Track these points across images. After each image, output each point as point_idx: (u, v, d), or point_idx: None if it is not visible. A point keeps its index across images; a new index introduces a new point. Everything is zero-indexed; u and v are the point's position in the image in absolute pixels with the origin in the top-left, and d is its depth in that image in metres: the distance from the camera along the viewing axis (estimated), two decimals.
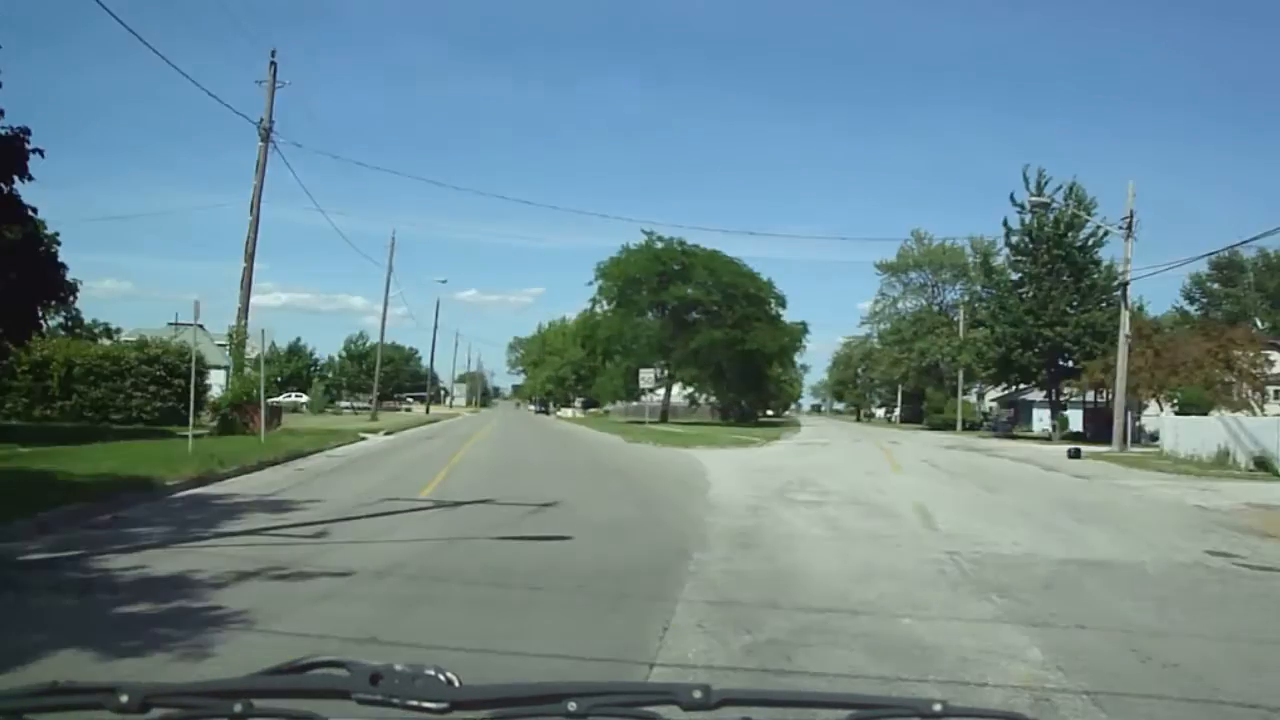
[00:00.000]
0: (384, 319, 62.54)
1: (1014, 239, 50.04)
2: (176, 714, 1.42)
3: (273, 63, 29.94)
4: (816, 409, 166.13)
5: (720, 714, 1.39)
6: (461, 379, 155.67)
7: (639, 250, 72.16)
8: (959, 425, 71.98)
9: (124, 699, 1.38)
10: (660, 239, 72.46)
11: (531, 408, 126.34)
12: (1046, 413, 65.16)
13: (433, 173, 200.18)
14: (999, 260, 52.11)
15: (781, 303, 75.85)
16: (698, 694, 1.37)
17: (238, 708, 1.39)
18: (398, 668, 1.39)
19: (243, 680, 1.52)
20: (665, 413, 54.95)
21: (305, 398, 79.51)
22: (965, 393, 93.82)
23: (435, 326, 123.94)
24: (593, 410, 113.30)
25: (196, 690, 1.49)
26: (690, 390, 79.09)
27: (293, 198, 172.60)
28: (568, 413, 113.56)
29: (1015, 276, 50.54)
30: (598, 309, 76.40)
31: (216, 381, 80.00)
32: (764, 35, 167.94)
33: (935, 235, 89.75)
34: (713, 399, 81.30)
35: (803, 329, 78.77)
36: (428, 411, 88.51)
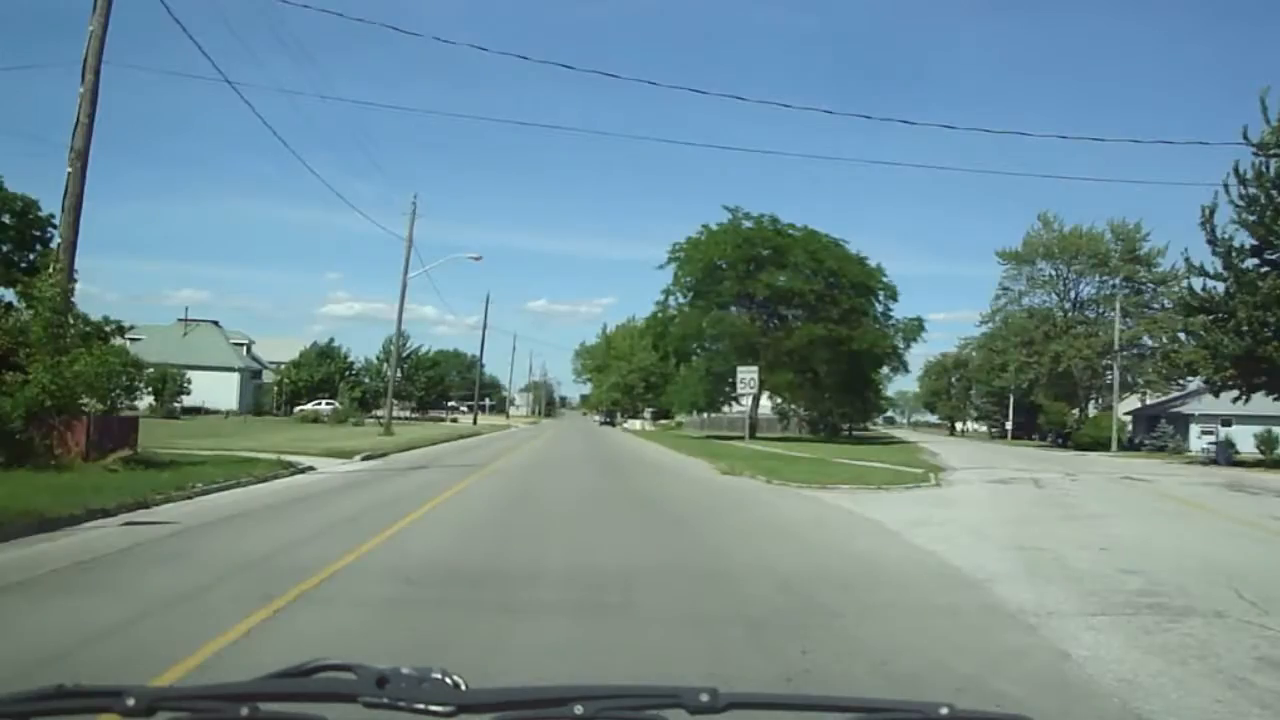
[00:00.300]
0: (401, 306, 49.62)
1: (1250, 190, 36.04)
2: (183, 718, 1.40)
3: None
4: (890, 421, 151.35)
5: (727, 717, 1.36)
6: (527, 388, 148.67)
7: (722, 230, 59.27)
8: (1114, 445, 57.95)
9: (130, 702, 1.36)
10: (748, 216, 59.61)
11: (596, 419, 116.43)
12: (1217, 428, 51.32)
13: (504, 175, 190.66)
14: (1224, 221, 37.49)
15: (893, 294, 62.53)
16: (705, 697, 1.35)
17: (244, 711, 1.36)
18: (404, 671, 1.38)
19: (249, 684, 1.47)
20: (754, 426, 42.46)
21: (333, 405, 68.36)
22: (1088, 404, 78.60)
23: (485, 325, 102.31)
24: (663, 422, 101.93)
25: (203, 694, 1.47)
26: (780, 400, 65.63)
27: (371, 207, 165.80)
28: (635, 424, 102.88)
29: (1251, 242, 36.34)
30: (671, 301, 63.39)
31: (206, 383, 71.06)
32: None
33: (1066, 220, 74.91)
34: (802, 410, 67.70)
35: (919, 326, 65.13)
36: (475, 423, 76.77)
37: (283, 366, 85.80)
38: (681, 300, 62.20)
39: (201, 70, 32.87)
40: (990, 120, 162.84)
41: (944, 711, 1.40)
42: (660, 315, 64.24)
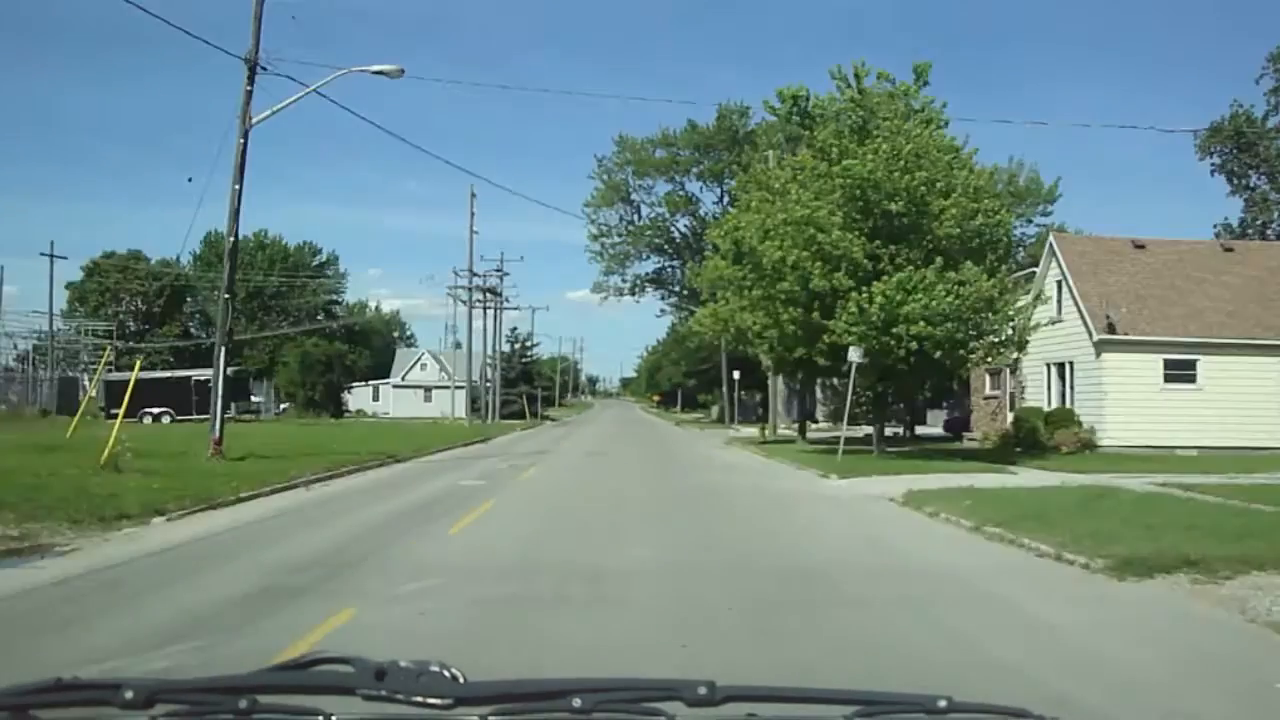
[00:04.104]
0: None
1: None
2: (182, 710, 1.38)
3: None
4: None
5: (725, 710, 1.35)
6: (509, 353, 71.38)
7: None
8: None
9: (129, 695, 1.34)
10: None
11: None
12: None
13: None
14: None
15: None
16: (703, 690, 1.35)
17: (243, 704, 1.35)
18: (402, 664, 1.37)
19: (248, 676, 1.46)
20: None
21: None
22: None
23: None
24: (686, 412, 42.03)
25: (202, 686, 1.45)
26: None
27: (419, 206, 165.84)
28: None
29: None
30: None
31: None
32: None
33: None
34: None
35: None
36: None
37: None
38: None
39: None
40: None
41: (942, 704, 1.40)
42: None
